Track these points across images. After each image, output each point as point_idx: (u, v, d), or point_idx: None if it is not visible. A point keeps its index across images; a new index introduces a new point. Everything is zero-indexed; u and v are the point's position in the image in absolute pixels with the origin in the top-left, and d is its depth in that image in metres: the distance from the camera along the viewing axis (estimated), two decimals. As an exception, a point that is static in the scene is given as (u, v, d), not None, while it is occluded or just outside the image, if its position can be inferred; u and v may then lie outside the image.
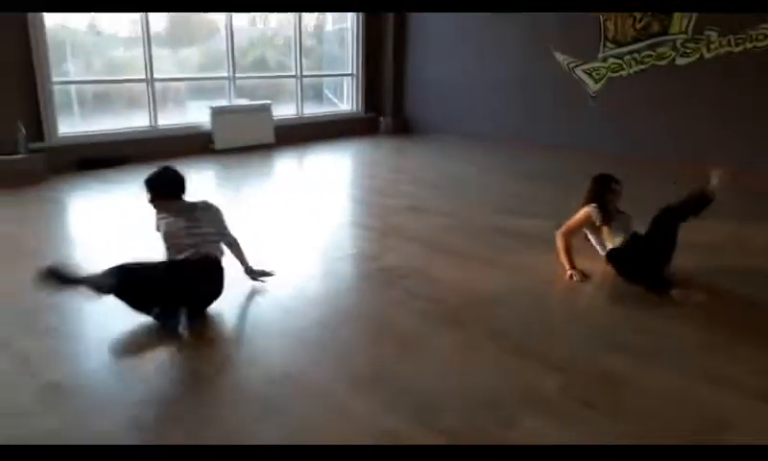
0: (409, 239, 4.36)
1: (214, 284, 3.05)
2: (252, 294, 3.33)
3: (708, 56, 6.64)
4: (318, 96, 9.48)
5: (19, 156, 5.83)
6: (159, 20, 7.31)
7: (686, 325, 3.00)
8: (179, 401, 2.38)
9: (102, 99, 7.17)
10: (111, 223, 4.69)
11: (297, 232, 4.54)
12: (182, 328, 2.78)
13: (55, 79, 6.31)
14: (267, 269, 3.47)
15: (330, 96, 9.71)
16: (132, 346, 2.81)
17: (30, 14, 5.92)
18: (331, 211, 5.24)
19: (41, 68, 6.10)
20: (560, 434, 2.15)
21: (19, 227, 4.53)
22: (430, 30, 9.07)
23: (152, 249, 3.25)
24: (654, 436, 2.15)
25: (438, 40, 9.01)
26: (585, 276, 3.56)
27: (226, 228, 3.27)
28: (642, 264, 3.42)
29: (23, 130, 5.84)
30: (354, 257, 4.04)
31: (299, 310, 3.19)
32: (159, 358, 2.68)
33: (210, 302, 3.06)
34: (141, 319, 2.91)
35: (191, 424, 2.21)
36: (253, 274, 3.41)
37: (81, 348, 2.78)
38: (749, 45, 6.35)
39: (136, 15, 6.89)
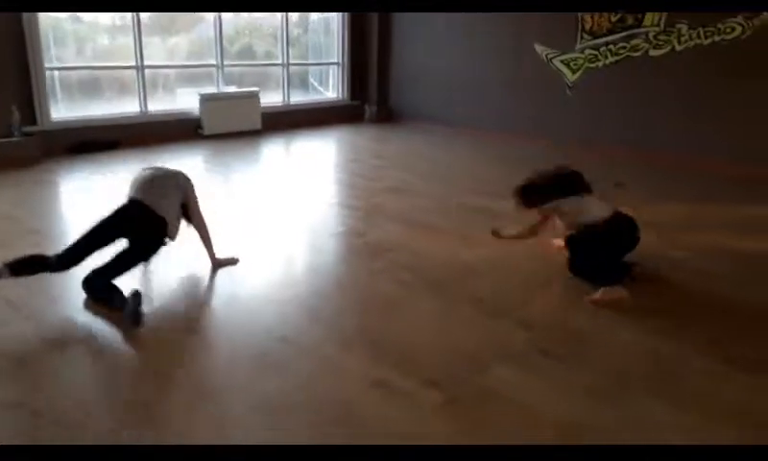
0: (392, 218, 4.61)
1: (145, 231, 3.12)
2: (249, 267, 3.57)
3: (679, 48, 6.96)
4: (303, 84, 9.66)
5: (13, 138, 5.96)
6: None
7: (641, 296, 3.30)
8: (188, 354, 2.61)
9: (93, 85, 7.29)
10: (103, 203, 4.86)
11: (286, 212, 4.77)
12: (139, 309, 2.83)
13: (47, 64, 6.44)
14: (232, 257, 3.59)
15: (315, 84, 9.90)
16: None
17: None
18: (318, 193, 5.47)
19: (34, 54, 6.22)
20: (525, 381, 2.43)
21: (16, 207, 4.68)
22: (414, 21, 9.29)
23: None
24: (610, 383, 2.44)
25: (422, 31, 9.24)
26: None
27: (191, 200, 3.39)
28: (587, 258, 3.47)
29: (17, 113, 5.98)
30: (342, 234, 4.29)
31: (292, 281, 3.45)
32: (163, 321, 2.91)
33: (141, 250, 3.12)
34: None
35: (198, 374, 2.45)
36: (218, 263, 3.51)
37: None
38: (717, 38, 6.67)
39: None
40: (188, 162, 6.53)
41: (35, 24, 6.19)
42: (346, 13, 9.45)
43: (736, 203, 5.33)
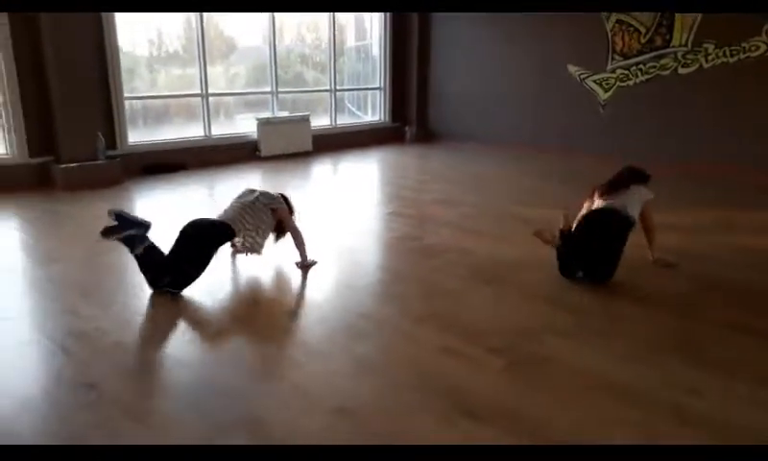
0: (442, 224, 5.13)
1: (196, 239, 3.65)
2: (326, 265, 4.12)
3: (706, 66, 7.37)
4: (340, 108, 10.25)
5: (99, 162, 6.70)
6: (208, 38, 8.18)
7: (665, 282, 3.74)
8: (296, 328, 3.15)
9: (164, 112, 8.05)
10: (179, 213, 5.51)
11: (347, 221, 5.33)
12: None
13: (126, 94, 7.20)
14: (313, 259, 4.11)
15: (353, 109, 10.55)
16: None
17: (106, 36, 6.81)
18: (372, 205, 6.02)
19: (116, 84, 6.99)
20: (573, 349, 2.91)
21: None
22: (451, 46, 9.90)
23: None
24: (642, 349, 2.89)
25: (458, 55, 9.83)
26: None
27: (280, 214, 4.05)
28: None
29: (102, 139, 6.72)
30: (399, 239, 4.82)
31: (363, 273, 3.99)
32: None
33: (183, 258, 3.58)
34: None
35: (306, 342, 2.99)
36: (306, 265, 4.03)
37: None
38: (743, 56, 7.07)
39: (192, 36, 7.78)
40: (249, 181, 7.17)
41: (116, 57, 6.96)
42: (387, 41, 10.11)
43: (759, 208, 5.70)
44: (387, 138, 10.32)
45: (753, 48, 6.99)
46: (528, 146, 9.06)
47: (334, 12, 9.29)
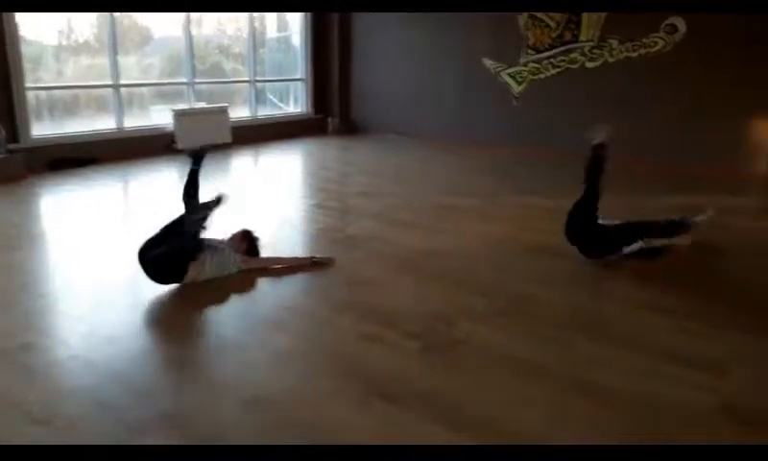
0: (366, 216, 5.19)
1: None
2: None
3: (611, 60, 7.81)
4: (261, 99, 10.10)
5: (0, 156, 6.27)
6: (122, 28, 7.83)
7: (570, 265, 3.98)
8: (218, 320, 3.11)
9: (72, 104, 7.63)
10: (91, 212, 5.28)
11: (268, 214, 5.28)
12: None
13: (28, 84, 6.76)
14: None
15: (274, 100, 10.42)
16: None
17: (6, 25, 6.37)
18: (295, 197, 5.99)
19: (16, 74, 6.55)
20: (485, 331, 3.04)
21: (17, 215, 5.04)
22: (373, 37, 9.95)
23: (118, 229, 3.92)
24: (554, 330, 3.06)
25: (380, 47, 9.90)
26: None
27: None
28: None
29: (2, 131, 6.29)
30: (322, 230, 4.83)
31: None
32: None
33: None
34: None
35: (225, 334, 2.96)
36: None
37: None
38: (643, 51, 7.55)
39: (103, 22, 7.41)
40: (165, 175, 6.96)
41: (16, 46, 6.52)
42: (307, 32, 10.03)
43: (659, 195, 6.13)
44: (309, 130, 10.26)
45: (652, 44, 7.48)
46: (450, 139, 9.28)
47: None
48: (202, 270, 3.51)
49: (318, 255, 4.03)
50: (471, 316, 3.21)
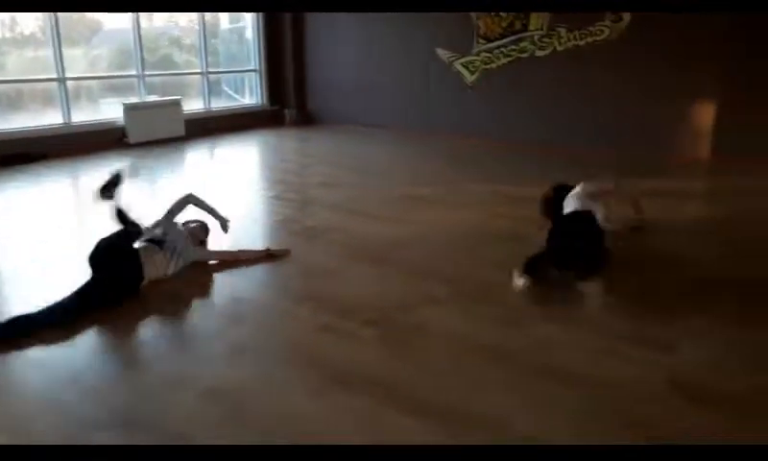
0: (326, 207, 5.20)
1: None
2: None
3: (559, 48, 8.01)
4: (217, 91, 9.98)
5: (-61, 154, 6.02)
6: (66, 21, 7.58)
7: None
8: (177, 314, 3.09)
9: (17, 98, 7.37)
10: (40, 208, 5.14)
11: (224, 208, 5.22)
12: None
13: (-33, 79, 6.51)
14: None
15: (230, 92, 10.28)
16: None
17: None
18: (253, 190, 5.95)
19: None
20: (444, 316, 3.12)
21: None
22: (327, 27, 9.90)
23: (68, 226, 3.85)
24: (514, 314, 3.16)
25: (335, 38, 9.87)
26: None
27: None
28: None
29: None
30: (281, 222, 4.83)
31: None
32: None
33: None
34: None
35: (184, 328, 2.95)
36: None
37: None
38: (590, 39, 7.76)
39: (48, 14, 7.16)
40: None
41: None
42: (260, 22, 9.91)
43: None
44: (266, 122, 10.17)
45: (598, 32, 7.69)
46: (410, 129, 9.35)
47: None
48: (161, 266, 3.47)
49: (273, 248, 4.03)
50: (431, 303, 3.27)
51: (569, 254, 3.49)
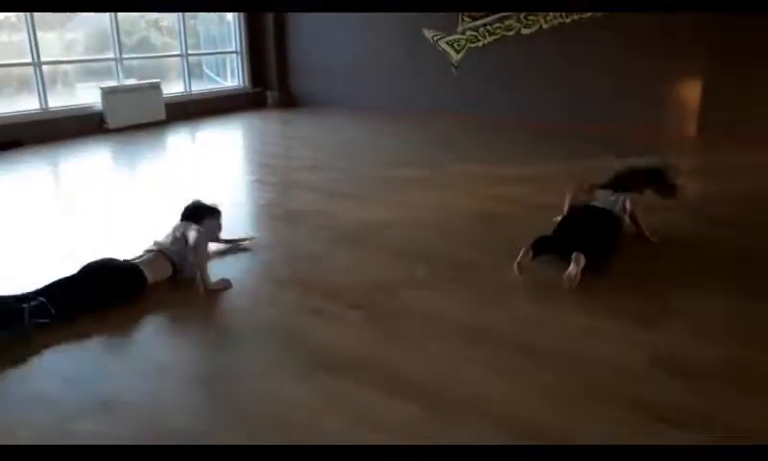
0: (309, 190, 5.14)
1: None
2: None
3: (545, 26, 7.94)
4: (198, 74, 9.80)
5: None
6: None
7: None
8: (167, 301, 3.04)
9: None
10: (19, 196, 5.03)
11: (207, 192, 5.14)
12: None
13: (-62, 64, 6.31)
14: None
15: (211, 74, 10.11)
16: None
17: None
18: (236, 174, 5.87)
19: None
20: (427, 298, 3.09)
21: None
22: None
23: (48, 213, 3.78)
24: (497, 294, 3.15)
25: (317, 18, 9.70)
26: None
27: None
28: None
29: None
30: (264, 207, 4.76)
31: (224, 245, 3.91)
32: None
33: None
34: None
35: (160, 315, 2.90)
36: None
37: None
38: (576, 17, 7.70)
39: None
40: (95, 155, 6.69)
41: None
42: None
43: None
44: (248, 104, 10.02)
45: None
46: (395, 111, 9.26)
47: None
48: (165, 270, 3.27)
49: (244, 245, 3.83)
50: (414, 284, 3.25)
51: (573, 241, 3.39)
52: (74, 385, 2.33)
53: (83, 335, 2.76)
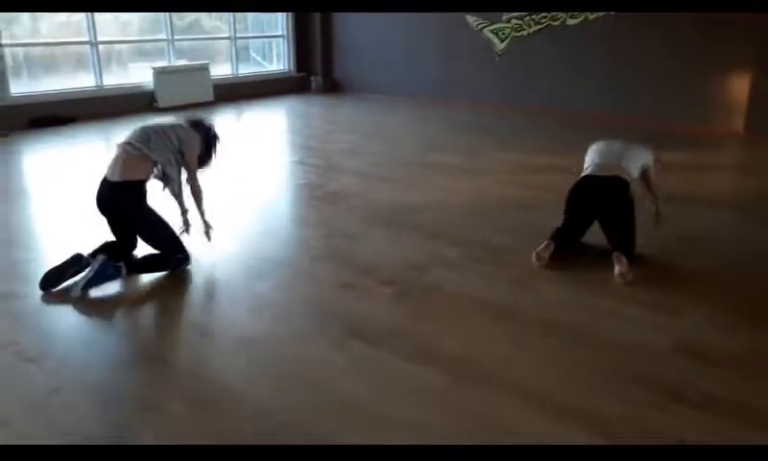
0: (348, 173, 5.27)
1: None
2: (231, 213, 4.16)
3: (591, 17, 7.84)
4: (245, 57, 10.04)
5: (-22, 113, 6.24)
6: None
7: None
8: (205, 271, 3.22)
9: (49, 61, 7.55)
10: (74, 168, 5.31)
11: (249, 171, 5.34)
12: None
13: (4, 41, 6.67)
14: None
15: (257, 58, 10.33)
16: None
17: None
18: (279, 154, 6.05)
19: (-8, 31, 6.47)
20: (456, 277, 3.18)
21: (2, 174, 5.07)
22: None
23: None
24: (525, 276, 3.21)
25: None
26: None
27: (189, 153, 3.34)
28: None
29: (-20, 89, 6.24)
30: (304, 186, 4.92)
31: (266, 217, 4.08)
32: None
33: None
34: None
35: (213, 283, 3.07)
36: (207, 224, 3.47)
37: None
38: (623, 8, 7.57)
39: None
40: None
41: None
42: (289, -12, 9.89)
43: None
44: (293, 88, 10.22)
45: (631, 1, 7.49)
46: (436, 98, 9.30)
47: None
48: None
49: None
50: (445, 264, 3.34)
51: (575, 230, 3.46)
52: (124, 337, 2.52)
53: (133, 295, 2.97)
